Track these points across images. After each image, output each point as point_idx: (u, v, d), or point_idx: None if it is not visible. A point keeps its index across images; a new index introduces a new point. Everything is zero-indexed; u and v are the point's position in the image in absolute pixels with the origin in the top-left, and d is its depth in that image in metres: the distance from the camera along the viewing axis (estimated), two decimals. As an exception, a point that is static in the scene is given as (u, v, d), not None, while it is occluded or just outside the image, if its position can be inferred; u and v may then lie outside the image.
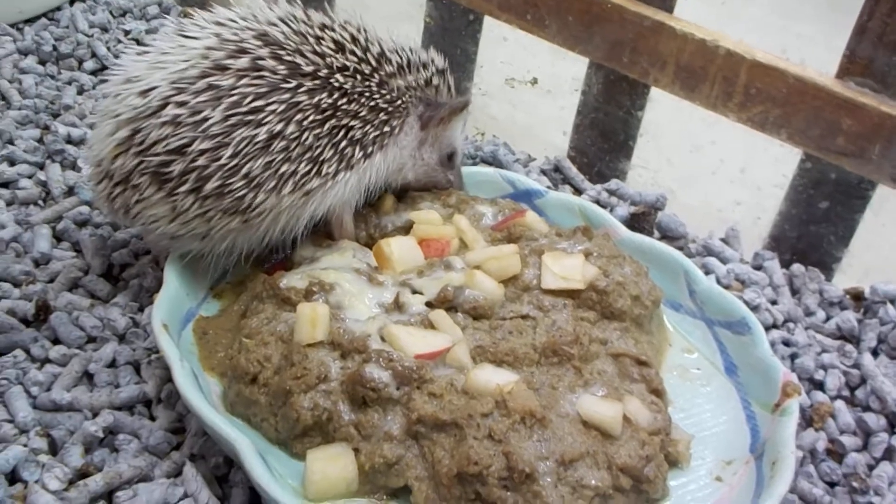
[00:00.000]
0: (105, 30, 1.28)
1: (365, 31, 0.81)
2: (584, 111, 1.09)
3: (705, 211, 1.02)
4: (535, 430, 0.65)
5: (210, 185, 0.72)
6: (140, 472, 0.68)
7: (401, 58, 0.81)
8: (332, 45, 0.77)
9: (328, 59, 0.76)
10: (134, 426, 0.72)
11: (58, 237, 0.92)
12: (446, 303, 0.75)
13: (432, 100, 0.84)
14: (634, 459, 0.66)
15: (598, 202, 1.03)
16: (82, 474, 0.68)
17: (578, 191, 1.05)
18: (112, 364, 0.78)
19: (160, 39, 0.78)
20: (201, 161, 0.72)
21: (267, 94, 0.73)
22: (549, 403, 0.68)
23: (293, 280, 0.77)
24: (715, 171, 1.08)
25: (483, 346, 0.72)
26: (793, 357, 0.85)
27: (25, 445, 0.69)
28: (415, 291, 0.76)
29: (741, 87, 0.97)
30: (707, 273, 0.92)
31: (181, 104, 0.72)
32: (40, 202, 0.96)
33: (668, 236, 0.98)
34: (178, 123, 0.72)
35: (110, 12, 1.32)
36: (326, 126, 0.75)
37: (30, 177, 0.99)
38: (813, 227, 0.97)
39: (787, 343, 0.86)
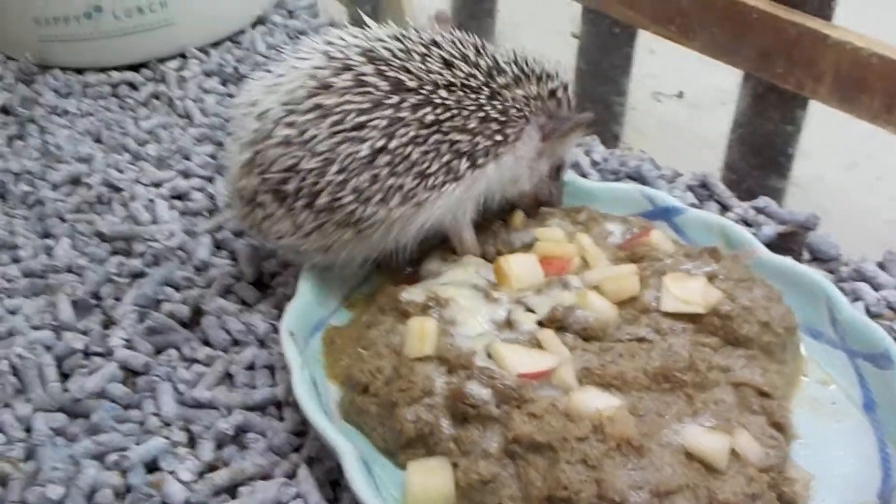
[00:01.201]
0: (281, 51, 1.37)
1: (479, 46, 0.82)
2: (735, 125, 1.04)
3: (864, 232, 0.95)
4: (632, 458, 0.64)
5: (322, 200, 0.77)
6: (262, 470, 0.74)
7: (520, 69, 0.82)
8: (438, 62, 0.79)
9: (433, 76, 0.78)
10: (262, 426, 0.78)
11: (218, 246, 1.00)
12: (556, 322, 0.75)
13: (555, 112, 0.84)
14: (739, 497, 0.63)
15: (744, 221, 0.98)
16: (211, 468, 0.74)
17: (725, 208, 1.01)
18: (251, 367, 0.84)
19: (279, 63, 0.83)
20: (311, 178, 0.77)
21: (370, 110, 0.76)
22: (652, 431, 0.66)
23: (413, 294, 0.79)
24: (873, 189, 1.00)
25: (590, 367, 0.71)
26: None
27: (167, 438, 0.77)
28: (529, 309, 0.77)
29: (905, 96, 0.89)
30: (855, 300, 0.86)
31: (290, 124, 0.77)
32: (206, 213, 1.05)
33: (819, 258, 0.92)
34: (288, 143, 0.77)
35: (287, 34, 1.42)
36: (431, 140, 0.77)
37: (200, 190, 1.09)
38: None
39: (943, 380, 0.78)
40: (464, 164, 0.78)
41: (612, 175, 1.06)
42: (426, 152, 0.77)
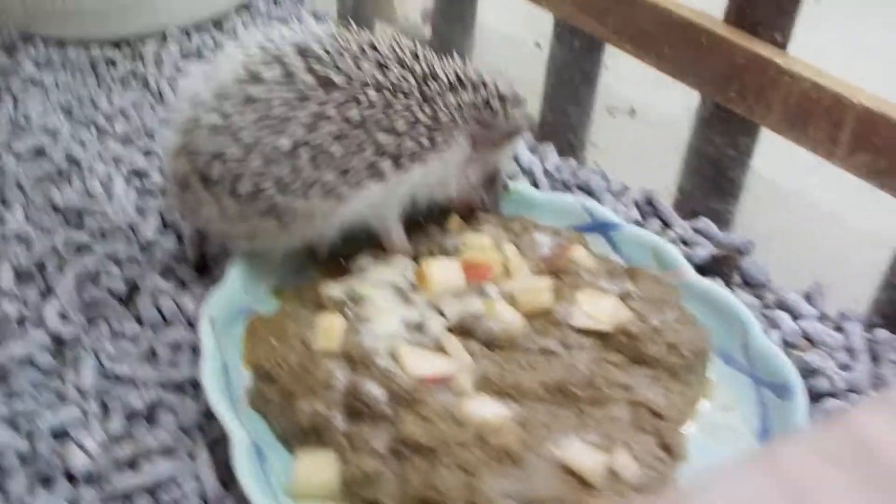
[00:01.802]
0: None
1: (417, 53, 0.83)
2: (689, 146, 1.05)
3: (800, 262, 0.95)
4: (508, 467, 0.65)
5: (243, 188, 0.79)
6: (165, 447, 0.76)
7: (456, 77, 0.83)
8: (372, 63, 0.80)
9: (364, 75, 0.79)
10: (175, 405, 0.80)
11: (166, 225, 1.02)
12: (464, 330, 0.76)
13: (488, 121, 0.85)
14: (608, 514, 0.64)
15: (683, 240, 0.98)
16: (117, 441, 0.76)
17: (667, 225, 1.01)
18: (176, 346, 0.86)
19: (219, 54, 0.85)
20: (234, 165, 0.78)
21: (294, 103, 0.78)
22: (535, 443, 0.67)
23: (333, 289, 0.81)
24: (816, 222, 1.00)
25: (489, 376, 0.72)
26: (852, 432, 0.77)
27: (82, 409, 0.79)
28: (442, 314, 0.78)
29: (848, 132, 0.89)
30: (773, 327, 0.86)
31: (219, 112, 0.78)
32: (160, 193, 1.07)
33: (749, 283, 0.93)
34: (216, 130, 0.79)
35: (269, 21, 1.43)
36: (354, 138, 0.78)
37: (161, 170, 1.10)
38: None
39: (846, 416, 0.78)
40: (388, 164, 0.80)
41: (562, 185, 1.06)
42: (349, 150, 0.78)
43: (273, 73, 0.79)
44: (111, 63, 1.33)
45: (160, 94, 1.25)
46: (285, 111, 0.78)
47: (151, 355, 0.86)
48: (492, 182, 0.90)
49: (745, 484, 0.26)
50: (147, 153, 1.13)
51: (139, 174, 1.10)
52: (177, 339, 0.87)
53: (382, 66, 0.81)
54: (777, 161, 0.99)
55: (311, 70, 0.79)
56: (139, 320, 0.89)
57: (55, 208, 1.03)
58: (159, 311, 0.90)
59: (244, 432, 0.69)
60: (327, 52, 0.80)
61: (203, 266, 0.97)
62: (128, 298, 0.92)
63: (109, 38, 1.35)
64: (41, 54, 1.32)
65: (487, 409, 0.68)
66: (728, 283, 0.92)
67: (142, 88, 1.28)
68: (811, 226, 0.99)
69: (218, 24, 1.41)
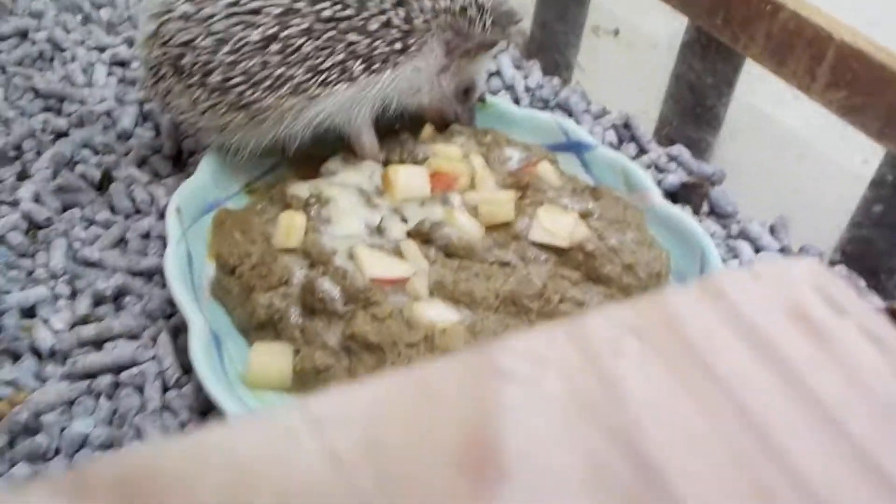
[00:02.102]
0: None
1: None
2: (673, 72, 1.04)
3: (772, 195, 0.96)
4: (452, 369, 0.67)
5: (213, 79, 0.79)
6: (129, 330, 0.78)
7: None
8: None
9: None
10: (142, 291, 0.82)
11: (145, 117, 1.03)
12: (423, 235, 0.77)
13: (463, 30, 0.84)
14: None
15: (655, 165, 0.99)
16: (83, 321, 0.79)
17: (643, 150, 1.02)
18: (146, 235, 0.88)
19: None
20: (205, 55, 0.79)
21: None
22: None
23: (299, 189, 0.82)
24: (791, 155, 1.00)
25: (444, 282, 0.74)
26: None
27: (51, 289, 0.81)
28: (403, 220, 0.80)
29: (826, 67, 0.89)
30: (734, 258, 0.88)
31: (192, 0, 0.78)
32: (141, 84, 1.07)
33: (717, 213, 0.94)
34: (187, 18, 0.79)
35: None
36: (326, 37, 0.78)
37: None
38: (878, 233, 0.89)
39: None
40: (358, 66, 0.80)
41: (542, 103, 1.07)
42: (320, 48, 0.78)
43: None
44: (101, -52, 1.31)
45: (148, -17, 1.24)
46: (257, 3, 0.77)
47: (121, 242, 0.88)
48: (466, 94, 0.90)
49: (547, 344, 0.28)
50: (131, 43, 1.12)
51: (121, 63, 1.10)
52: (147, 229, 0.88)
53: None
54: (757, 92, 0.99)
55: None
56: (112, 208, 0.91)
57: (35, 92, 1.04)
58: (132, 200, 0.91)
59: (203, 320, 0.71)
60: None
61: (178, 159, 0.98)
62: (101, 186, 0.93)
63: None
64: (30, -67, 1.30)
65: (438, 313, 0.70)
66: (696, 212, 0.94)
67: (131, -23, 1.26)
68: (785, 159, 1.00)
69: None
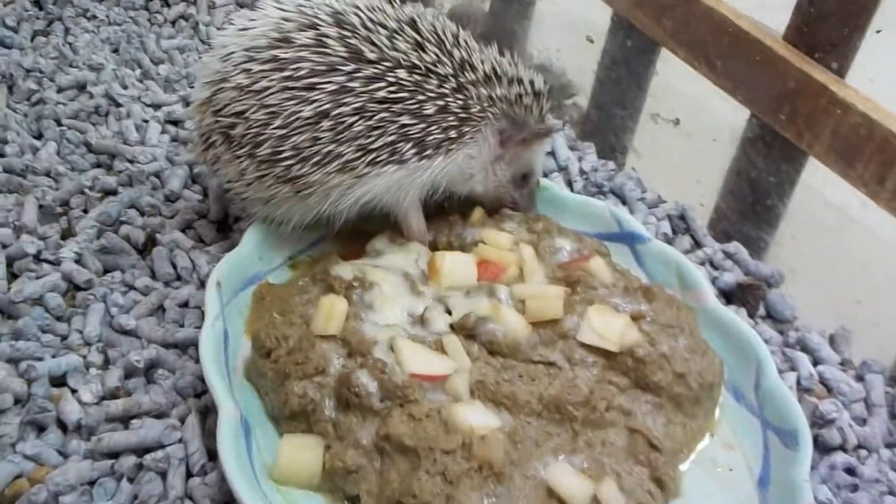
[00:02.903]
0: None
1: (459, 37, 0.81)
2: (732, 165, 1.01)
3: (831, 303, 0.91)
4: (490, 482, 0.64)
5: (263, 151, 0.78)
6: (158, 408, 0.76)
7: (493, 68, 0.80)
8: (409, 42, 0.78)
9: (398, 53, 0.77)
10: (174, 365, 0.80)
11: (193, 179, 1.02)
12: (467, 330, 0.74)
13: (519, 118, 0.82)
14: (586, 543, 0.62)
15: (711, 262, 0.96)
16: (113, 395, 0.77)
17: (698, 244, 0.98)
18: (185, 304, 0.86)
19: (256, 9, 0.83)
20: (256, 127, 0.78)
21: (324, 73, 0.76)
22: (522, 460, 0.66)
23: (343, 270, 0.80)
24: (853, 262, 0.96)
25: (486, 382, 0.71)
26: (853, 488, 0.75)
27: (83, 357, 0.79)
28: (448, 310, 0.77)
29: (897, 172, 0.85)
30: (791, 369, 0.83)
31: (247, 71, 0.77)
32: (192, 144, 1.07)
33: (774, 318, 0.90)
34: (242, 89, 0.78)
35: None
36: (377, 117, 0.76)
37: (195, 120, 1.10)
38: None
39: (850, 471, 0.76)
40: (410, 149, 0.78)
41: (595, 188, 1.04)
42: (372, 127, 0.76)
43: (305, 38, 0.77)
44: (166, 3, 1.32)
45: (209, 41, 1.25)
46: (312, 79, 0.76)
47: (159, 310, 0.86)
48: (524, 180, 0.88)
49: None
50: (187, 102, 1.12)
51: (175, 122, 1.10)
52: (186, 298, 0.87)
53: (420, 47, 0.78)
54: (820, 194, 0.95)
55: (343, 40, 0.77)
56: (153, 273, 0.89)
57: (88, 146, 1.04)
58: (174, 265, 0.90)
59: (233, 407, 0.68)
60: (364, 25, 0.78)
61: (224, 223, 0.97)
62: (145, 248, 0.92)
63: (166, -23, 1.34)
64: (97, -14, 1.32)
65: (478, 417, 0.67)
66: (751, 315, 0.89)
67: (191, 33, 1.27)
68: (847, 266, 0.96)
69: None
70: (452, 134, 0.79)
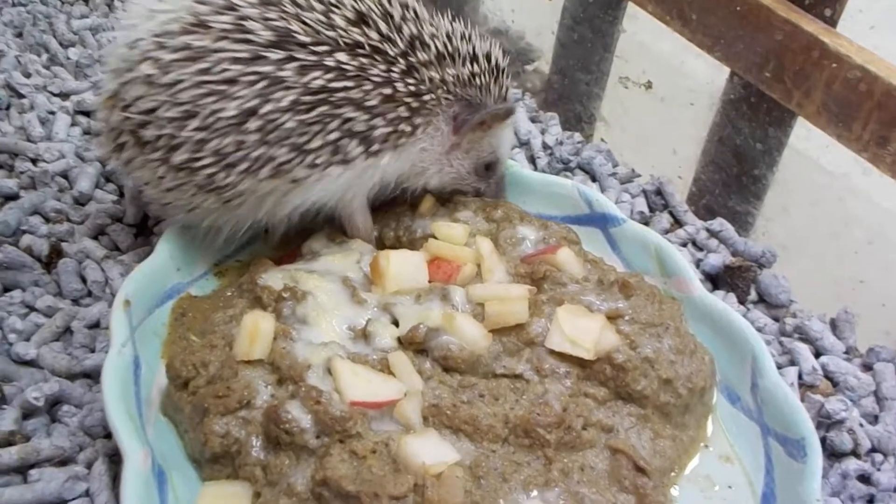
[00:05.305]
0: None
1: (409, 8, 0.69)
2: (712, 132, 0.90)
3: (828, 282, 0.82)
4: (449, 531, 0.53)
5: (178, 157, 0.66)
6: (61, 454, 0.65)
7: (445, 45, 0.69)
8: (349, 17, 0.65)
9: (336, 32, 0.65)
10: (81, 400, 0.69)
11: (107, 178, 0.90)
12: (415, 344, 0.64)
13: (473, 100, 0.71)
14: None
15: (694, 242, 0.86)
16: (7, 442, 0.65)
17: (678, 223, 0.88)
18: (95, 325, 0.75)
19: None
20: (170, 128, 0.65)
21: (247, 62, 0.64)
22: (486, 499, 0.56)
23: (272, 278, 0.69)
24: (852, 235, 0.86)
25: (440, 406, 0.61)
26: (869, 499, 0.65)
27: (-24, 395, 0.68)
28: (394, 321, 0.66)
29: (901, 133, 0.75)
30: (791, 363, 0.74)
31: (157, 61, 0.65)
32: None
33: (768, 303, 0.80)
34: (151, 83, 0.65)
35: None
36: (316, 112, 0.64)
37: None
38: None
39: (864, 479, 0.66)
40: (355, 147, 0.66)
41: (561, 164, 0.93)
42: (308, 124, 0.65)
43: (222, 23, 0.65)
44: (76, -21, 1.19)
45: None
46: (232, 71, 0.64)
47: (66, 333, 0.74)
48: (488, 171, 0.77)
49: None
50: (99, 89, 1.00)
51: (87, 112, 0.97)
52: (97, 317, 0.75)
53: (362, 21, 0.66)
54: (814, 160, 0.85)
55: (268, 22, 0.65)
56: (59, 290, 0.78)
57: (-15, 146, 0.91)
58: (83, 280, 0.78)
59: (141, 453, 0.57)
60: (293, 1, 0.66)
61: (144, 226, 0.85)
62: (49, 261, 0.80)
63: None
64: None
65: (432, 452, 0.57)
66: (742, 300, 0.80)
67: (106, 11, 1.14)
68: (847, 240, 0.85)
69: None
70: (403, 127, 0.67)
